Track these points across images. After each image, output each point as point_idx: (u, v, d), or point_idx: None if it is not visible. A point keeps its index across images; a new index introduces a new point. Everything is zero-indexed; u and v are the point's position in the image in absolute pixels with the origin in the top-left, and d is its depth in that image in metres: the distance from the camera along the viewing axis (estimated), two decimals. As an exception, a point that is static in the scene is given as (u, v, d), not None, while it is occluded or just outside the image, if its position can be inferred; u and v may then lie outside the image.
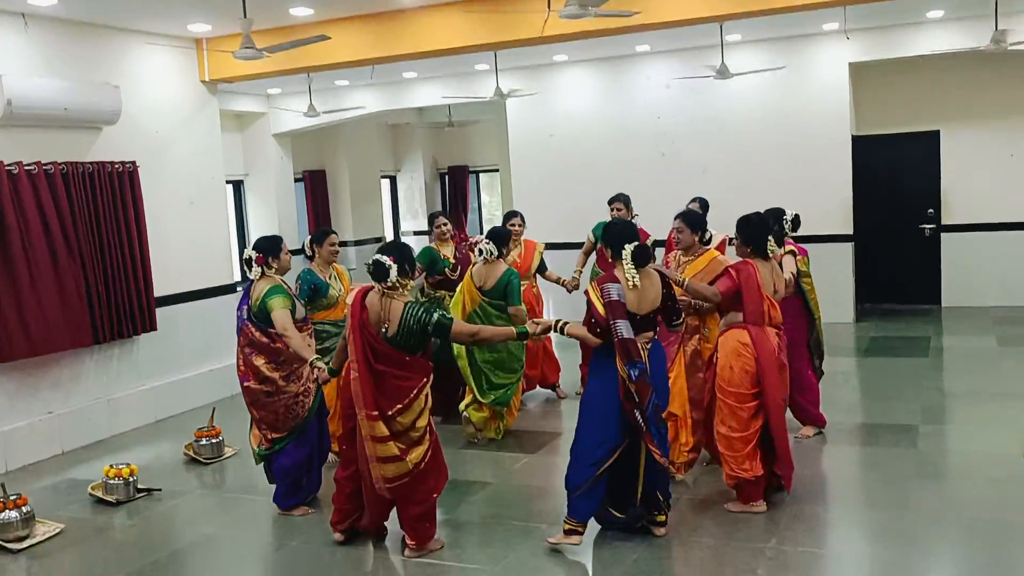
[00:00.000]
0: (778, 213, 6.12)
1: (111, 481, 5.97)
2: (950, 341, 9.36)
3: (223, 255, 9.15)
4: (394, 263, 4.58)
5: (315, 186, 14.86)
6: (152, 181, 8.14)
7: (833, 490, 5.51)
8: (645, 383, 4.53)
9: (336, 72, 10.55)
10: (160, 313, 8.11)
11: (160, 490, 6.16)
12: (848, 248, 10.43)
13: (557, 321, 4.78)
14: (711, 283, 5.26)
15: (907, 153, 11.13)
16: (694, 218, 5.75)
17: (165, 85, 8.49)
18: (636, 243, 4.65)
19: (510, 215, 7.87)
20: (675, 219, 5.78)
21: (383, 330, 4.60)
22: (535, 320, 4.96)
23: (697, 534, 4.89)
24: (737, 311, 5.15)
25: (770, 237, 5.29)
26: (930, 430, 6.46)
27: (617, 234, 4.75)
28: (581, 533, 4.73)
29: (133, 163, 7.84)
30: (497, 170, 17.29)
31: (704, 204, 7.55)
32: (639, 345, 4.58)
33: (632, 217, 7.61)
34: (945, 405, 7.20)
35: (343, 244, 13.89)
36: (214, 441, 6.82)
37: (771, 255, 5.33)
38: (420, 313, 4.58)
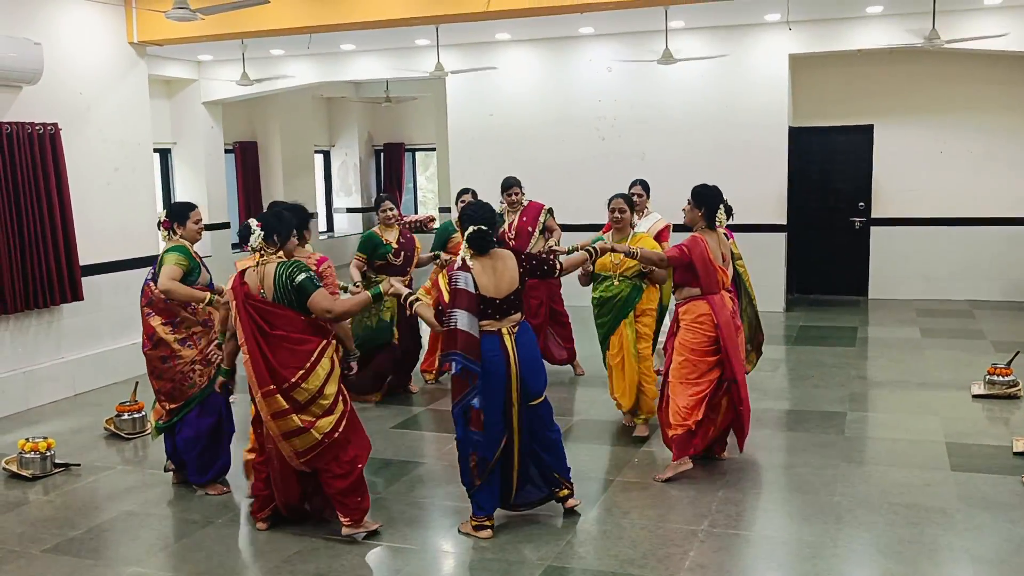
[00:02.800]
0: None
1: (27, 455, 5.74)
2: (876, 332, 9.58)
3: (149, 225, 8.82)
4: (260, 228, 4.51)
5: (246, 158, 14.48)
6: (75, 145, 7.82)
7: (762, 474, 5.58)
8: (461, 380, 4.45)
9: (271, 40, 10.28)
10: (82, 283, 7.80)
11: (79, 465, 5.93)
12: (781, 238, 10.59)
13: (409, 294, 4.67)
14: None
15: (841, 146, 11.36)
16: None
17: (91, 44, 8.14)
18: (476, 227, 4.50)
19: (462, 192, 7.53)
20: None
21: (261, 295, 4.53)
22: (391, 280, 4.81)
23: (630, 516, 4.90)
24: (692, 285, 5.37)
25: (721, 207, 5.45)
26: (856, 417, 6.59)
27: (467, 217, 4.59)
28: (490, 527, 4.65)
29: (55, 125, 7.51)
30: (434, 149, 17.10)
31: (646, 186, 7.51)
32: (504, 330, 4.53)
33: (522, 196, 7.62)
34: (870, 393, 7.36)
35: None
36: (136, 416, 6.60)
37: (718, 224, 5.49)
38: (290, 270, 4.49)
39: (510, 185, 7.62)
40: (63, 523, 5.04)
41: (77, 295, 7.69)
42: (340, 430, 4.53)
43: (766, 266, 10.35)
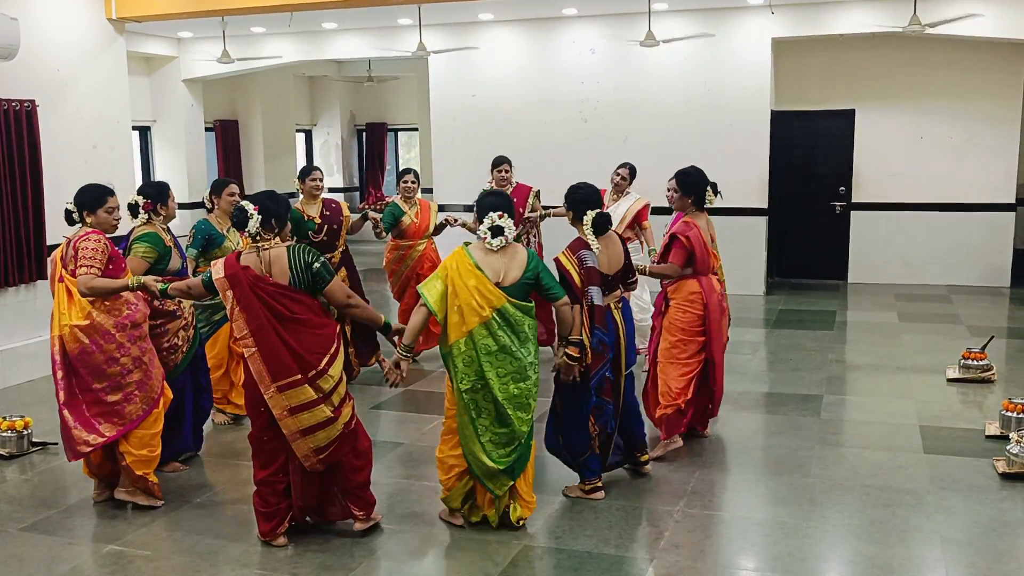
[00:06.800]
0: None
1: (3, 433, 5.72)
2: (854, 316, 9.65)
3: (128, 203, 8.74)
4: (257, 212, 4.18)
5: (227, 136, 14.36)
6: (52, 122, 7.74)
7: (739, 455, 5.63)
8: (601, 353, 4.68)
9: (252, 18, 10.18)
10: (47, 262, 7.73)
11: (56, 444, 5.89)
12: (762, 222, 10.63)
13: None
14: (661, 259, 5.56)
15: (823, 131, 11.40)
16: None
17: (68, 20, 8.04)
18: (598, 211, 4.74)
19: (404, 172, 7.68)
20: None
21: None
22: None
23: (608, 496, 4.93)
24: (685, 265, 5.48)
25: (708, 187, 5.50)
26: (833, 400, 6.65)
27: (581, 200, 4.80)
28: (601, 487, 4.91)
29: (32, 102, 7.43)
30: (416, 129, 17.03)
31: (633, 170, 7.61)
32: (611, 304, 4.81)
33: (511, 175, 7.76)
34: (848, 377, 7.42)
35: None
36: (114, 395, 6.55)
37: (707, 204, 5.54)
38: (306, 254, 4.23)
39: (501, 162, 7.73)
40: (40, 502, 5.03)
41: (41, 274, 7.61)
42: (354, 419, 4.39)
43: (747, 250, 10.41)
